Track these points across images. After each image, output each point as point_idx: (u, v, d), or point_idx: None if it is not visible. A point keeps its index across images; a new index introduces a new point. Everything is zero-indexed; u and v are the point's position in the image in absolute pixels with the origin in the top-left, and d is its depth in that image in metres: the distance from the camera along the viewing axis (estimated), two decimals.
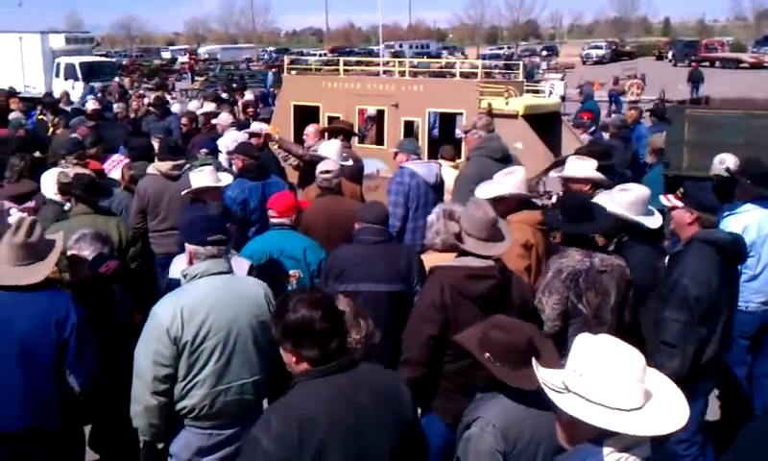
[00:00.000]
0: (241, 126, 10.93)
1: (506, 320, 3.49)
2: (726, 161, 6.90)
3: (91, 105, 14.55)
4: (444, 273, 4.24)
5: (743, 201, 5.95)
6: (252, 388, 4.04)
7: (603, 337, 2.55)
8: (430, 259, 5.11)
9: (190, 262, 4.19)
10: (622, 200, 5.20)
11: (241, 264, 5.07)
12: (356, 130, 11.90)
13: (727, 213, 5.98)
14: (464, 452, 3.30)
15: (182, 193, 6.65)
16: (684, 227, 4.82)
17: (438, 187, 7.43)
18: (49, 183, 6.51)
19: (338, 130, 8.90)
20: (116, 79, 24.50)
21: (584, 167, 6.18)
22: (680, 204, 4.83)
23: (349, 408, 2.85)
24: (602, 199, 5.33)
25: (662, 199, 5.04)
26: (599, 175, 6.20)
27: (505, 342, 3.27)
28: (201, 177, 6.42)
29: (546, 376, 2.60)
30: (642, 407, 2.44)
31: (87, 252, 4.79)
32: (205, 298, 3.93)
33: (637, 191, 5.31)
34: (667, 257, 5.08)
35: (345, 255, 5.05)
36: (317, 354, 2.89)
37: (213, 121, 11.57)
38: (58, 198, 6.40)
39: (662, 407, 2.47)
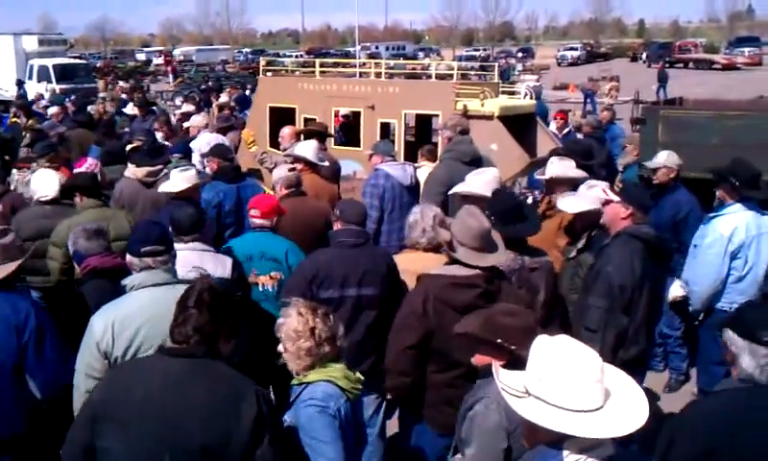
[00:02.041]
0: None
1: (508, 306, 3.49)
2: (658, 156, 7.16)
3: (54, 110, 14.28)
4: (430, 281, 4.20)
5: (730, 202, 5.96)
6: None
7: (561, 339, 2.54)
8: (407, 259, 5.09)
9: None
10: (480, 181, 5.55)
11: (222, 261, 5.03)
12: (332, 131, 11.90)
13: (713, 214, 6.03)
14: (468, 431, 3.31)
15: (160, 189, 6.61)
16: (617, 221, 4.88)
17: (413, 189, 7.41)
18: (47, 184, 6.37)
19: (312, 132, 8.85)
20: (120, 83, 23.91)
21: (567, 167, 6.24)
22: (616, 198, 4.91)
23: (174, 390, 2.97)
24: (463, 186, 5.64)
25: (600, 192, 5.09)
26: (583, 173, 6.26)
27: (519, 326, 3.21)
28: (179, 179, 6.33)
29: (507, 380, 2.60)
30: (602, 407, 2.44)
31: (94, 247, 4.75)
32: (140, 311, 3.83)
33: (490, 172, 5.77)
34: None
35: (326, 260, 4.93)
36: (175, 331, 3.10)
37: (185, 124, 11.50)
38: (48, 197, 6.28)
39: (622, 406, 2.48)
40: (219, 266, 4.97)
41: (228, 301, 3.24)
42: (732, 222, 5.82)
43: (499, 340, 3.18)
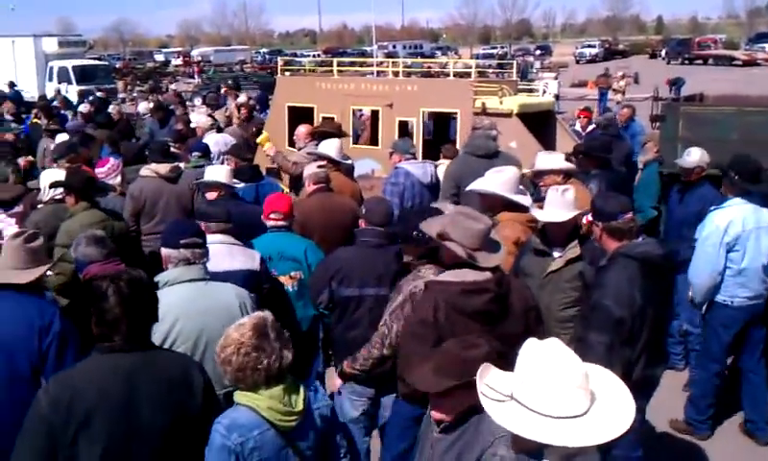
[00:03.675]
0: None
1: (458, 340, 3.19)
2: (692, 154, 7.02)
3: (83, 108, 14.52)
4: (438, 288, 4.04)
5: (731, 195, 6.00)
6: (222, 400, 3.85)
7: (548, 343, 2.47)
8: None
9: (165, 267, 4.16)
10: (497, 180, 5.36)
11: (251, 255, 5.08)
12: (350, 130, 11.91)
13: (713, 208, 6.05)
14: None
15: (193, 182, 6.73)
16: (601, 241, 4.60)
17: (433, 187, 7.42)
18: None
19: (326, 133, 8.80)
20: (173, 87, 23.66)
21: (554, 159, 6.32)
22: (590, 218, 4.71)
23: (124, 383, 3.03)
24: (480, 183, 5.50)
25: (572, 193, 4.92)
26: (569, 164, 6.37)
27: (484, 354, 2.93)
28: (217, 172, 6.46)
29: (495, 382, 2.55)
30: (585, 413, 2.36)
31: (95, 254, 4.71)
32: (174, 306, 3.85)
33: (509, 171, 5.53)
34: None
35: (348, 258, 4.95)
36: (102, 332, 3.09)
37: (191, 124, 11.58)
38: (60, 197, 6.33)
39: (607, 412, 2.40)
40: (248, 259, 5.04)
41: (146, 288, 3.21)
42: (729, 215, 5.87)
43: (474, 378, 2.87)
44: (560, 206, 4.87)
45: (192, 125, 11.58)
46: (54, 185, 6.20)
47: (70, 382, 3.05)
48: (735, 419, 6.45)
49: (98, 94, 21.27)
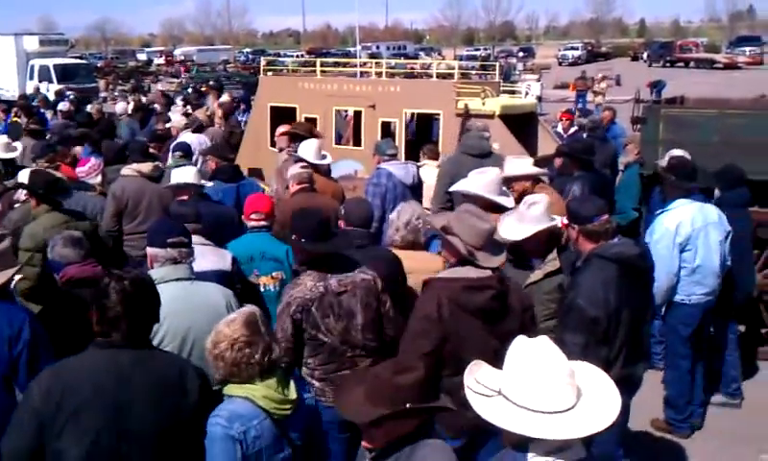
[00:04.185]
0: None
1: (388, 364, 3.04)
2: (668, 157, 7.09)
3: (63, 106, 14.42)
4: (441, 285, 4.02)
5: (674, 197, 6.14)
6: None
7: (537, 341, 2.50)
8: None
9: (150, 266, 4.14)
10: (480, 182, 5.38)
11: (222, 255, 5.07)
12: (332, 131, 11.90)
13: (660, 211, 6.20)
14: None
15: (163, 187, 6.68)
16: (578, 243, 4.63)
17: (415, 188, 7.42)
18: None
19: (296, 135, 8.70)
20: (158, 87, 23.38)
21: (523, 165, 6.29)
22: (563, 220, 4.76)
23: (120, 380, 3.02)
24: (462, 184, 5.51)
25: (542, 208, 4.89)
26: (539, 169, 6.41)
27: (417, 379, 2.84)
28: (184, 173, 6.41)
29: (485, 377, 2.57)
30: (572, 408, 2.39)
31: (72, 255, 4.65)
32: (162, 305, 3.78)
33: (492, 173, 5.54)
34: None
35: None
36: (102, 329, 3.07)
37: (167, 124, 11.53)
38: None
39: (592, 406, 2.44)
40: (220, 259, 5.03)
41: (146, 288, 3.22)
42: (678, 216, 6.02)
43: (409, 405, 2.77)
44: (523, 220, 4.85)
45: (167, 125, 11.54)
46: (15, 188, 6.15)
47: (64, 375, 3.04)
48: (716, 416, 6.55)
49: (69, 96, 20.99)
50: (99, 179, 7.75)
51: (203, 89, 23.22)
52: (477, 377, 2.58)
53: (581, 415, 2.39)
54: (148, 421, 3.05)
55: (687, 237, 5.97)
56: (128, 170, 7.22)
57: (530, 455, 2.40)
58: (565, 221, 4.74)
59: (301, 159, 7.21)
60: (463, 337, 3.93)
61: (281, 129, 9.05)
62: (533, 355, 2.44)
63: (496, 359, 3.58)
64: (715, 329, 6.79)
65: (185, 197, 6.21)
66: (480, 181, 5.47)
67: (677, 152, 7.13)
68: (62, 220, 5.76)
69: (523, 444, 2.42)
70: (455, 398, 4.07)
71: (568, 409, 2.38)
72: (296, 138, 8.30)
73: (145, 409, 3.05)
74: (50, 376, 3.07)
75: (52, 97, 22.49)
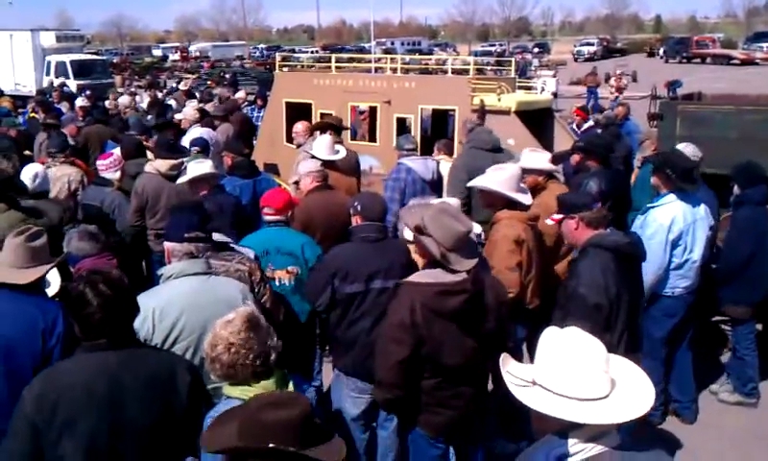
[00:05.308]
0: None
1: (269, 396, 2.71)
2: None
3: (81, 102, 14.51)
4: (414, 290, 3.98)
5: (665, 192, 6.15)
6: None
7: (569, 330, 2.58)
8: None
9: (168, 261, 4.16)
10: (498, 178, 5.41)
11: (245, 253, 5.05)
12: (348, 126, 11.91)
13: (650, 205, 6.20)
14: None
15: (178, 181, 6.79)
16: (574, 235, 4.73)
17: (435, 183, 7.46)
18: (25, 179, 6.56)
19: (327, 125, 8.86)
20: (182, 85, 23.27)
21: (537, 159, 6.43)
22: (559, 216, 4.79)
23: (110, 381, 3.05)
24: (481, 180, 5.54)
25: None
26: (553, 166, 6.54)
27: (287, 418, 2.51)
28: (202, 166, 6.51)
29: (516, 371, 2.62)
30: (608, 396, 2.47)
31: (87, 248, 4.69)
32: (178, 299, 3.87)
33: (510, 169, 5.56)
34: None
35: (350, 255, 4.87)
36: (86, 332, 3.09)
37: (177, 116, 11.57)
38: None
39: (628, 394, 2.51)
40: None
41: (120, 286, 3.18)
42: (671, 211, 6.03)
43: (272, 445, 2.46)
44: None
45: (179, 117, 11.57)
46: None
47: (56, 382, 3.06)
48: (731, 414, 6.53)
49: (86, 92, 21.14)
50: (118, 174, 7.80)
51: (209, 83, 23.33)
52: (509, 370, 2.63)
53: (618, 402, 2.46)
54: (141, 418, 3.10)
55: (680, 233, 6.00)
56: (148, 167, 7.37)
57: (571, 441, 2.45)
58: (557, 217, 4.81)
59: (315, 157, 7.23)
60: (439, 341, 3.93)
61: (301, 125, 9.11)
62: (569, 345, 2.52)
63: (475, 358, 3.54)
64: (732, 328, 6.78)
65: (205, 191, 6.26)
66: (499, 178, 5.46)
67: (681, 146, 7.13)
68: (19, 218, 5.59)
69: (564, 431, 2.47)
70: (434, 397, 4.10)
71: (604, 397, 2.46)
72: (325, 129, 8.40)
73: (137, 407, 3.09)
74: (42, 382, 3.08)
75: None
